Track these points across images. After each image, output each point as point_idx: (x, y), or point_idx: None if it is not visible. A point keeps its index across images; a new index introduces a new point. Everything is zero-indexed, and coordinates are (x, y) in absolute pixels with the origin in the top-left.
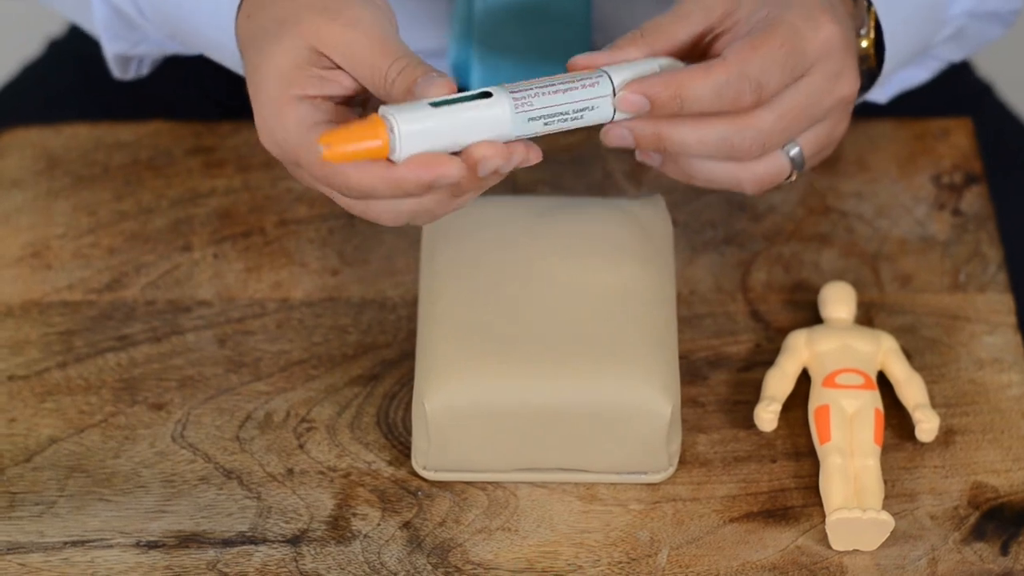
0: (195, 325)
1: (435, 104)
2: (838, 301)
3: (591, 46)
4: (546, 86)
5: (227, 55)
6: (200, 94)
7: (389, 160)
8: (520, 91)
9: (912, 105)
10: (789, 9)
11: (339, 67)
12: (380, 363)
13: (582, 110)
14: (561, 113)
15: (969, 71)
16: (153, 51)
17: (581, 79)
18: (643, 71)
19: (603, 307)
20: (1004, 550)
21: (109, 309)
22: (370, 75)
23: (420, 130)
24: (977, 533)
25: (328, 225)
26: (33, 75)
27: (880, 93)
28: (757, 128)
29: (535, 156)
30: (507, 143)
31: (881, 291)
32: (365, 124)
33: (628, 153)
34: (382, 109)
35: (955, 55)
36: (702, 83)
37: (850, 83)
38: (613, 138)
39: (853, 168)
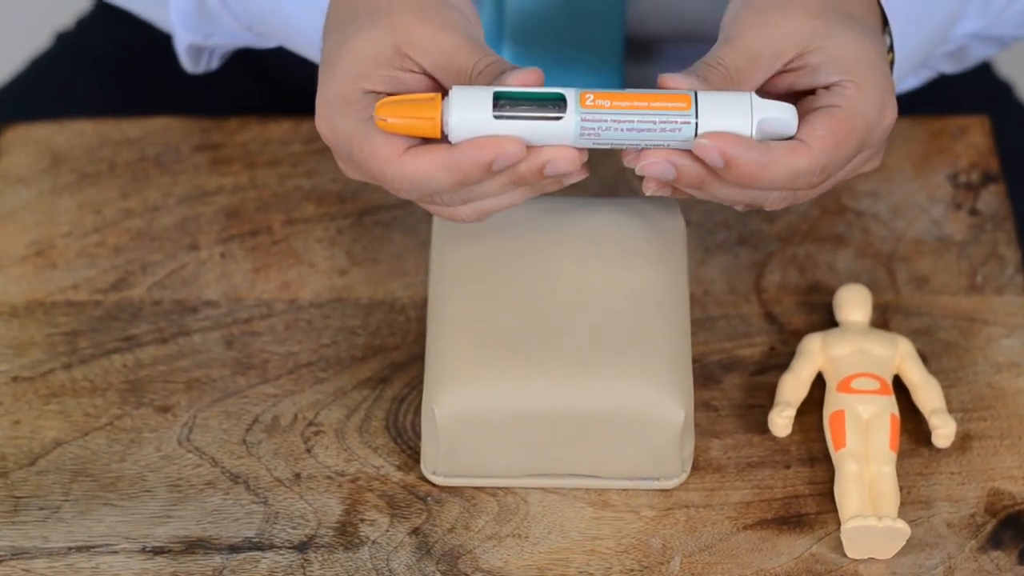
0: (202, 326)
1: (501, 96)
2: (854, 304)
3: (624, 43)
4: (622, 120)
5: (311, 43)
6: (209, 89)
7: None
8: (591, 119)
9: (929, 103)
10: (865, 91)
11: (416, 71)
12: (389, 366)
13: (652, 144)
14: (627, 144)
15: (989, 71)
16: (226, 43)
17: (664, 122)
18: (736, 111)
19: (615, 309)
20: (1021, 558)
21: (115, 309)
22: (456, 78)
23: (474, 118)
24: (994, 541)
25: (337, 224)
26: (40, 69)
27: None
28: (795, 193)
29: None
30: (582, 153)
31: (897, 293)
32: (423, 99)
33: None
34: (452, 89)
35: (949, 68)
36: (782, 168)
37: (880, 156)
38: (653, 168)
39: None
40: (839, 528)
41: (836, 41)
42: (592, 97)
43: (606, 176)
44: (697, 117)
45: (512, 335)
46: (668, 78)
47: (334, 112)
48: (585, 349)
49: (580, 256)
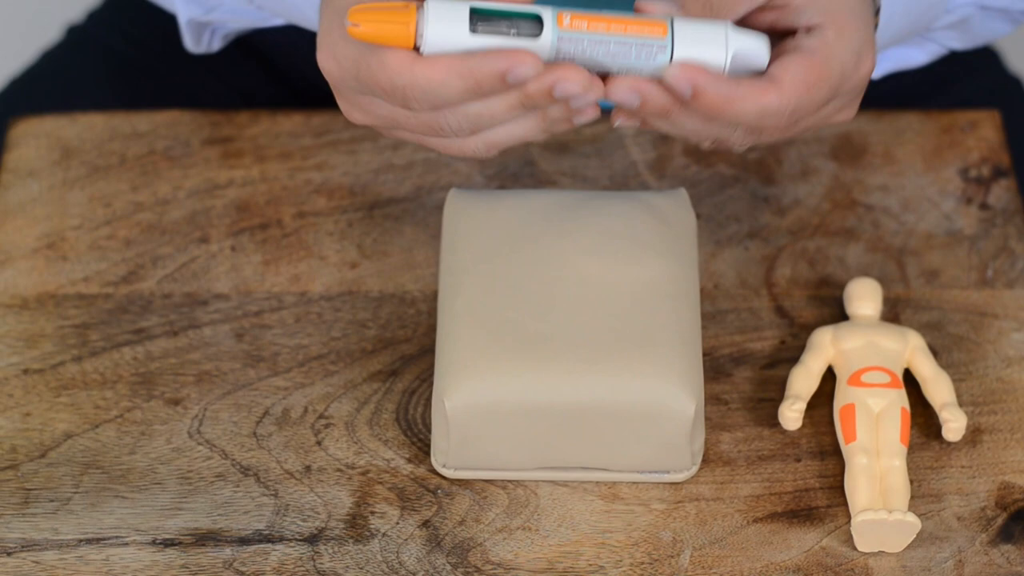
0: (212, 319)
1: (477, 12)
2: (864, 298)
3: None
4: (598, 43)
5: (311, 12)
6: (219, 83)
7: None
8: (568, 40)
9: (939, 98)
10: (844, 37)
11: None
12: (399, 358)
13: (628, 70)
14: (601, 67)
15: (998, 64)
16: (227, 19)
17: (640, 46)
18: (710, 40)
19: (625, 302)
20: None
21: (125, 302)
22: None
23: (448, 37)
24: (1004, 535)
25: (347, 217)
26: (52, 62)
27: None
28: (759, 134)
29: (602, 92)
30: (591, 77)
31: (907, 287)
32: (398, 7)
33: (652, 145)
34: (427, 1)
35: (957, 43)
36: (751, 104)
37: (854, 108)
38: (618, 93)
39: (879, 161)
40: (849, 521)
41: None
42: (569, 18)
43: (616, 169)
44: (673, 44)
45: (522, 328)
46: (646, 3)
47: (336, 40)
48: (595, 342)
49: (590, 249)
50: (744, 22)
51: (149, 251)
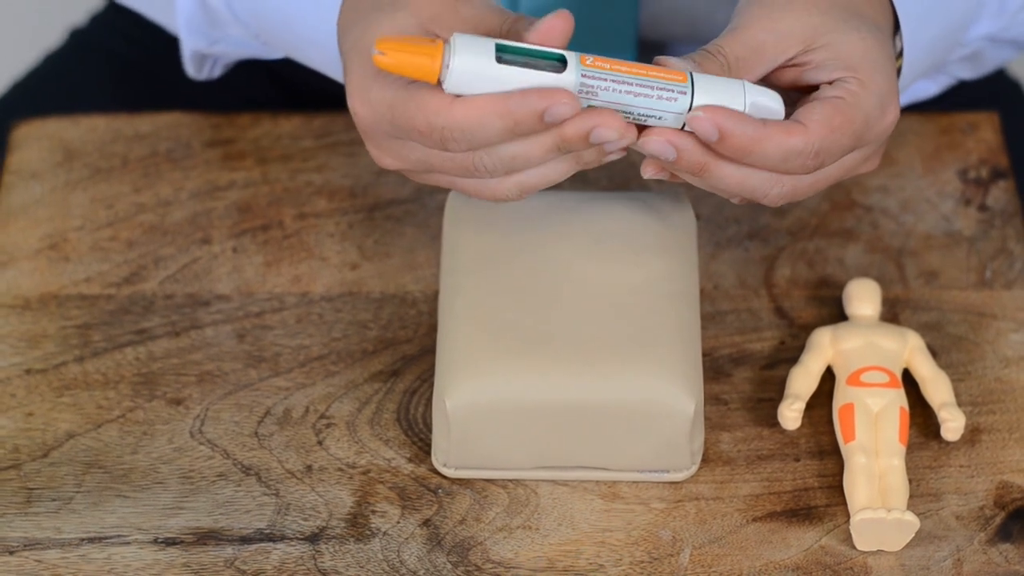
0: (214, 319)
1: (503, 48)
2: (863, 298)
3: (636, 45)
4: (621, 83)
5: (318, 52)
6: (220, 86)
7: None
8: (592, 77)
9: (939, 100)
10: (867, 88)
11: None
12: (400, 359)
13: (647, 117)
14: (623, 108)
15: (999, 69)
16: (230, 52)
17: (661, 89)
18: (728, 93)
19: (625, 303)
20: None
21: (127, 303)
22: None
23: (474, 68)
24: (1003, 534)
25: (348, 219)
26: (54, 65)
27: None
28: (793, 187)
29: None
30: (627, 124)
31: (906, 287)
32: (425, 40)
33: None
34: (454, 36)
35: (968, 74)
36: (776, 145)
37: (879, 157)
38: (654, 144)
39: (878, 162)
40: (848, 521)
41: (841, 38)
42: (592, 59)
43: (616, 170)
44: (693, 90)
45: (522, 328)
46: (664, 60)
47: (370, 85)
48: (595, 342)
49: (590, 249)
50: (767, 80)
51: (151, 252)
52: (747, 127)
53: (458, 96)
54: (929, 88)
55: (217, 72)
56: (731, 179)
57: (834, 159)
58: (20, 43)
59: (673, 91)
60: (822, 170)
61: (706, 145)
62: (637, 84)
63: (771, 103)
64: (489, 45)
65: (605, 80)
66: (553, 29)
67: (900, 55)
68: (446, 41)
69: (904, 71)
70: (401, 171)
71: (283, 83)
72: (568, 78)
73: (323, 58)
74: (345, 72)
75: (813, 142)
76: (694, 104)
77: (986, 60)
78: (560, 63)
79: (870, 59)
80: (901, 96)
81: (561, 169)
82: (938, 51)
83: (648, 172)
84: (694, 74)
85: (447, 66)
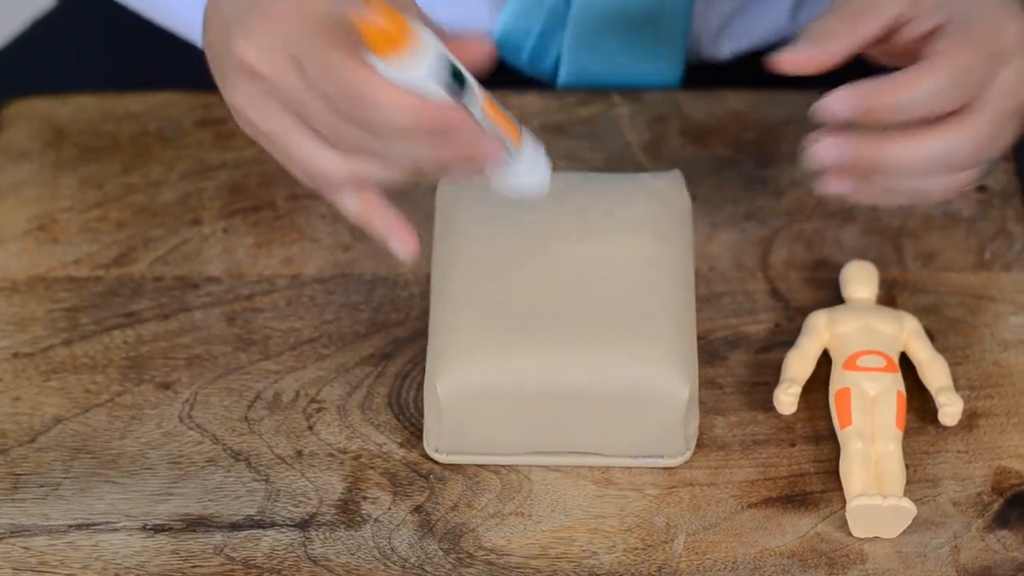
0: (203, 302)
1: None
2: (860, 281)
3: (686, 47)
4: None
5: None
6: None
7: (377, 59)
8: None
9: None
10: (975, 9)
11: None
12: (392, 342)
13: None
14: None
15: None
16: None
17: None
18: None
19: (619, 285)
20: None
21: (116, 285)
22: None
23: (423, 71)
24: (1001, 520)
25: None
26: (43, 29)
27: None
28: (975, 134)
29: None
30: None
31: (904, 269)
32: (403, 21)
33: (647, 126)
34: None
35: None
36: (914, 89)
37: None
38: (828, 151)
39: None
40: (844, 507)
41: None
42: (483, 100)
43: (611, 151)
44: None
45: (515, 311)
46: (783, 57)
47: (288, 29)
48: (589, 325)
49: (585, 231)
50: (885, 49)
51: (141, 233)
52: (878, 85)
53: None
54: None
55: None
56: (912, 157)
57: (981, 80)
58: (8, 7)
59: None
60: (991, 102)
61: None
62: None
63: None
64: (444, 59)
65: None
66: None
67: None
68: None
69: None
70: (249, 124)
71: None
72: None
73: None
74: (244, 17)
75: (946, 73)
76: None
77: None
78: (461, 89)
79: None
80: None
81: (430, 169)
82: None
83: (831, 187)
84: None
85: (407, 48)
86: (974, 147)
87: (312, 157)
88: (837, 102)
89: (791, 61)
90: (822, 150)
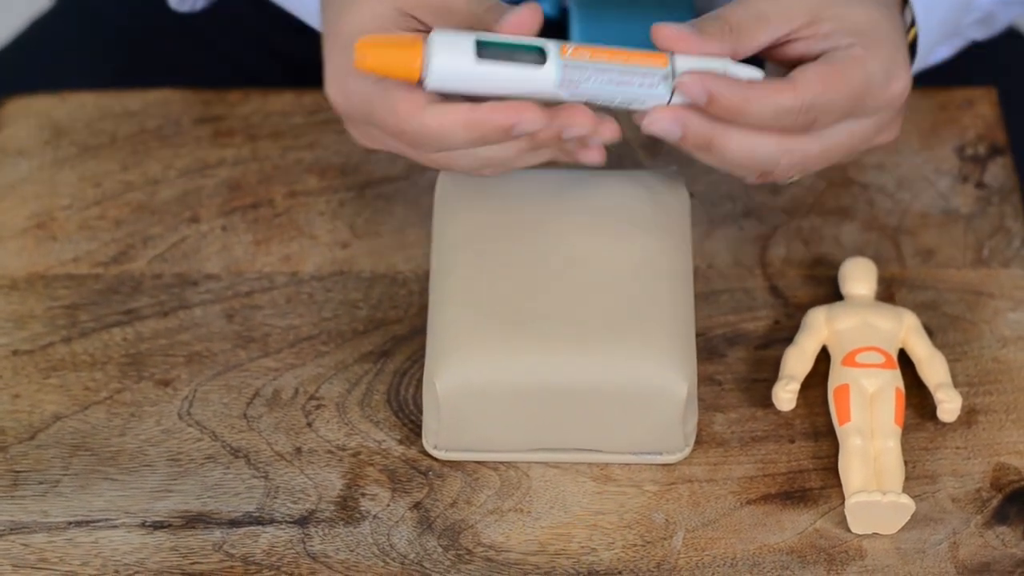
0: (203, 299)
1: (483, 44)
2: (858, 278)
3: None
4: (603, 72)
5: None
6: (212, 55)
7: (421, 85)
8: (573, 67)
9: (935, 74)
10: (872, 53)
11: (422, 29)
12: (391, 339)
13: (631, 102)
14: (607, 100)
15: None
16: None
17: (641, 76)
18: (711, 67)
19: (618, 282)
20: None
21: (115, 283)
22: (457, 25)
23: (454, 67)
24: (1000, 516)
25: (339, 197)
26: (42, 29)
27: None
28: (803, 154)
29: (614, 134)
30: (600, 118)
31: (902, 266)
32: (404, 40)
33: None
34: (432, 33)
35: (980, 35)
36: (766, 103)
37: (896, 128)
38: (659, 122)
39: None
40: (843, 503)
41: (847, 11)
42: (572, 48)
43: (610, 148)
44: (674, 73)
45: (514, 308)
46: (661, 26)
47: (346, 76)
48: (588, 322)
49: (583, 228)
50: (772, 54)
51: (139, 231)
52: (735, 87)
53: (431, 101)
54: (942, 52)
55: (200, 4)
56: (739, 150)
57: (831, 118)
58: (7, 6)
59: (655, 75)
60: (830, 139)
61: (708, 117)
62: (618, 72)
63: (756, 76)
64: (468, 41)
65: (586, 71)
66: (522, 24)
67: (912, 26)
68: (425, 37)
69: (920, 40)
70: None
71: (276, 56)
72: (549, 72)
73: (309, 13)
74: (324, 52)
75: (803, 97)
76: (677, 79)
77: (998, 21)
78: (540, 55)
79: (877, 28)
80: (917, 63)
81: (543, 156)
82: (951, 20)
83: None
84: (676, 57)
85: (427, 65)
86: (798, 164)
87: (436, 162)
88: (688, 82)
89: (666, 34)
90: (658, 120)
